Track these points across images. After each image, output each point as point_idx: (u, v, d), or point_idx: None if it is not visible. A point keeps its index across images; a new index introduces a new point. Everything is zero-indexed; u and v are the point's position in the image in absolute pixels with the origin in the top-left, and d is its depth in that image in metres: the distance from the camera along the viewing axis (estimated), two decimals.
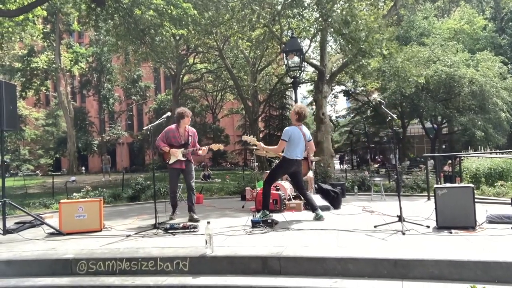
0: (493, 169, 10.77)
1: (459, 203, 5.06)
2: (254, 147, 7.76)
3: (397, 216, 5.30)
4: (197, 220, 6.40)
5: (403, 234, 4.83)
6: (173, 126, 6.72)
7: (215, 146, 6.91)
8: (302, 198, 7.18)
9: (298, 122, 6.41)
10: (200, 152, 6.73)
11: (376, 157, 44.82)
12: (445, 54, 24.10)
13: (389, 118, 5.84)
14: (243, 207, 8.56)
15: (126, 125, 50.40)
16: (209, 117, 47.34)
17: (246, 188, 10.34)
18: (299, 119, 6.42)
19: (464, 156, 12.07)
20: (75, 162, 34.06)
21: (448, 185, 5.42)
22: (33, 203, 10.85)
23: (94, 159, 48.30)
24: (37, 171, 42.18)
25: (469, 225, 4.98)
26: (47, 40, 32.18)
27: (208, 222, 4.38)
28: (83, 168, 45.40)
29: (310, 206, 6.50)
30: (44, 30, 29.11)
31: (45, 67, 32.58)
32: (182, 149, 6.66)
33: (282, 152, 6.43)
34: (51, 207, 10.40)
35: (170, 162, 6.59)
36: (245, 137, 7.00)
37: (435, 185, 5.78)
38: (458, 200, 5.07)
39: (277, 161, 9.27)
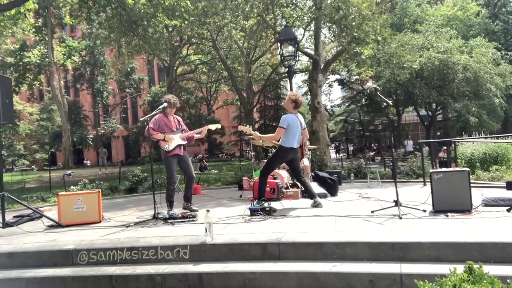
0: (488, 154, 10.87)
1: (455, 187, 5.12)
2: (250, 137, 7.78)
3: (394, 201, 5.35)
4: (195, 211, 6.39)
5: (400, 218, 4.89)
6: (160, 115, 6.38)
7: (213, 126, 6.78)
8: (300, 186, 7.22)
9: (295, 110, 6.41)
10: (197, 135, 6.57)
11: (372, 145, 44.99)
12: (439, 41, 24.16)
13: (385, 104, 5.87)
14: (240, 196, 8.63)
15: (120, 118, 50.24)
16: (204, 109, 47.25)
17: (243, 177, 10.39)
18: (296, 106, 6.41)
19: (459, 142, 12.15)
20: (70, 156, 33.93)
21: (444, 169, 5.48)
22: (31, 197, 10.85)
23: (90, 153, 48.18)
24: (33, 166, 42.04)
25: (465, 208, 5.05)
26: (39, 34, 31.84)
27: (208, 211, 4.42)
28: (87, 160, 45.33)
29: (308, 193, 6.54)
30: (36, 24, 28.83)
31: (38, 61, 32.29)
32: (179, 134, 6.43)
33: (278, 141, 6.43)
34: (49, 200, 10.42)
35: (170, 148, 6.26)
36: (241, 127, 6.97)
37: (431, 170, 5.83)
38: (454, 184, 5.13)
39: (273, 151, 9.32)
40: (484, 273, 2.14)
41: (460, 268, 2.34)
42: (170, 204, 6.37)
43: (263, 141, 9.39)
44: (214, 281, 3.93)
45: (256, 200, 6.38)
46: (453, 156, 11.07)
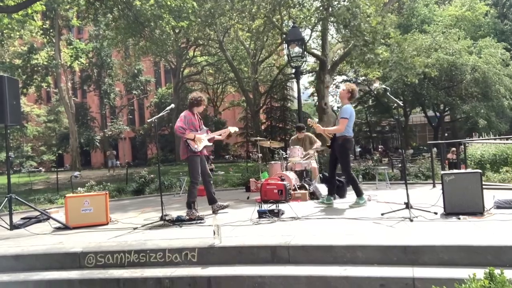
0: (498, 155, 10.74)
1: (467, 189, 5.03)
2: (257, 139, 7.72)
3: (405, 203, 5.27)
4: (226, 206, 6.44)
5: (411, 221, 4.81)
6: (188, 112, 6.29)
7: (232, 129, 6.78)
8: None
9: (350, 100, 6.37)
10: (218, 136, 6.58)
11: (378, 147, 44.76)
12: (447, 42, 23.95)
13: (395, 105, 5.80)
14: (248, 198, 8.57)
15: (127, 119, 50.39)
16: (210, 110, 47.24)
17: (251, 179, 10.34)
18: (351, 97, 6.37)
19: (468, 143, 12.01)
20: (77, 157, 34.06)
21: (455, 171, 5.39)
22: (38, 198, 10.88)
23: (97, 155, 48.36)
24: (40, 168, 42.25)
25: (477, 211, 4.95)
26: (47, 37, 32.03)
27: (215, 213, 4.37)
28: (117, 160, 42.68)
29: (355, 190, 6.36)
30: (43, 26, 28.99)
31: (45, 63, 32.50)
32: (205, 134, 6.35)
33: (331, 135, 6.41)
34: (56, 202, 10.44)
35: (199, 149, 6.17)
36: (309, 121, 6.83)
37: (442, 172, 5.74)
38: (465, 186, 5.04)
39: (281, 152, 9.26)
40: (506, 279, 2.05)
41: (475, 273, 2.27)
42: (194, 206, 6.18)
43: (270, 142, 9.34)
44: (223, 284, 3.88)
45: (266, 201, 6.31)
46: (462, 157, 10.94)
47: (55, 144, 45.28)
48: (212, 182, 6.65)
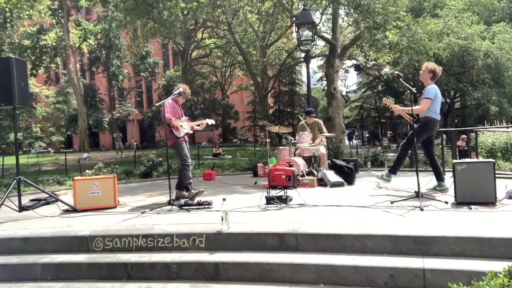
0: (510, 143, 10.58)
1: (479, 178, 4.93)
2: (264, 122, 7.65)
3: (415, 192, 5.20)
4: (201, 192, 6.53)
5: (421, 210, 4.74)
6: (172, 100, 6.45)
7: (209, 121, 7.11)
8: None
9: (432, 80, 5.97)
10: (197, 127, 6.85)
11: (387, 132, 44.46)
12: (459, 26, 23.47)
13: (408, 92, 5.67)
14: (255, 183, 8.54)
15: (135, 102, 50.45)
16: (218, 93, 47.15)
17: (258, 164, 10.30)
18: (433, 77, 5.98)
19: (480, 131, 11.84)
20: (86, 139, 34.23)
21: (467, 160, 5.28)
22: (47, 180, 10.93)
23: (105, 136, 48.62)
24: (49, 148, 42.62)
25: (489, 201, 4.87)
26: (55, 17, 31.89)
27: (224, 199, 4.34)
28: (125, 143, 41.01)
29: (437, 175, 6.10)
30: (52, 6, 28.84)
31: (54, 44, 32.43)
32: (185, 122, 6.57)
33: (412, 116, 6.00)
34: (65, 184, 10.49)
35: (181, 135, 6.37)
36: (385, 100, 6.29)
37: (454, 161, 5.64)
38: (478, 175, 4.94)
39: (289, 137, 9.19)
40: None
41: (493, 266, 2.20)
42: (188, 188, 6.37)
43: (279, 127, 9.24)
44: (230, 271, 3.86)
45: (274, 187, 6.25)
46: (472, 145, 10.79)
47: (63, 125, 45.56)
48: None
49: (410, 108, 5.80)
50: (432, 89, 5.85)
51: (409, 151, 6.25)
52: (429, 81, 5.95)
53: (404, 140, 6.33)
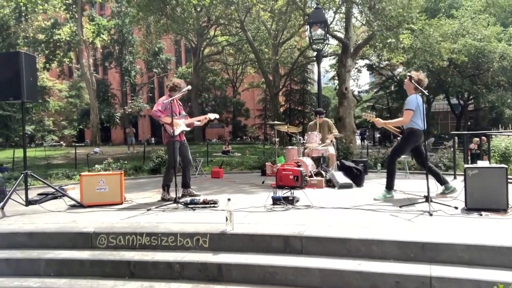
0: None
1: (491, 184, 4.82)
2: (275, 123, 7.58)
3: (424, 196, 5.10)
4: (197, 195, 6.42)
5: (430, 215, 4.65)
6: (167, 96, 6.31)
7: (212, 115, 6.78)
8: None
9: (416, 91, 5.81)
10: (197, 122, 6.70)
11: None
12: (475, 28, 23.10)
13: (420, 94, 5.59)
14: (263, 182, 8.49)
15: (147, 97, 50.65)
16: (230, 91, 47.10)
17: (267, 163, 10.25)
18: (417, 88, 5.78)
19: (493, 135, 11.62)
20: (98, 133, 34.47)
21: (479, 165, 5.16)
22: (56, 173, 10.99)
23: (117, 131, 48.93)
24: (61, 142, 43.02)
25: (501, 208, 4.75)
26: (70, 12, 32.14)
27: (229, 199, 4.29)
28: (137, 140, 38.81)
29: (438, 180, 5.96)
30: (66, 1, 29.05)
31: (67, 39, 32.70)
32: (183, 119, 6.44)
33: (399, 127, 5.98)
34: (74, 178, 10.53)
35: (176, 133, 6.20)
36: (365, 115, 6.28)
37: (465, 165, 5.52)
38: (489, 181, 4.82)
39: (298, 137, 9.11)
40: None
41: (504, 275, 2.11)
42: (167, 189, 6.37)
43: (288, 127, 9.17)
44: (234, 272, 3.81)
45: (281, 187, 6.18)
46: (485, 149, 10.60)
47: (76, 119, 45.92)
48: (191, 168, 6.86)
49: (391, 121, 5.95)
50: (413, 100, 5.73)
51: (396, 162, 6.07)
52: (412, 91, 5.83)
53: (389, 153, 6.24)
